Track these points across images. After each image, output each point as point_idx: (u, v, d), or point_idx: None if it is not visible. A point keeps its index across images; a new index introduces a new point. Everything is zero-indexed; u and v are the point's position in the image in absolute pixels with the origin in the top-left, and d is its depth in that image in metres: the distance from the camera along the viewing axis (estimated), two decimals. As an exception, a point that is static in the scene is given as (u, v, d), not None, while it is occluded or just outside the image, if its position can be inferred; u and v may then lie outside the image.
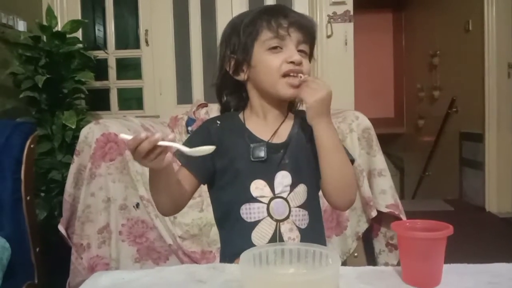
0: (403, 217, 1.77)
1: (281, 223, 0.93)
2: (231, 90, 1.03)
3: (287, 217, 0.94)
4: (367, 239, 1.89)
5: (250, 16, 0.96)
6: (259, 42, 0.94)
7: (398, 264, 0.77)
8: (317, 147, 0.92)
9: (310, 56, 1.00)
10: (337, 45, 2.81)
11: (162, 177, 0.88)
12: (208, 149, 0.80)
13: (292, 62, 0.92)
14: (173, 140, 0.77)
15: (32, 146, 1.56)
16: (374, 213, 1.77)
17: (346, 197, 0.96)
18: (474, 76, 3.51)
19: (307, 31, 0.96)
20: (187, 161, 0.97)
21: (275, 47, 0.93)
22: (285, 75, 0.93)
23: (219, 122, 1.00)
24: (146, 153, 0.75)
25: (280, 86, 0.93)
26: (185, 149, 0.78)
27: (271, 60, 0.93)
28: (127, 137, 0.75)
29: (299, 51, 0.94)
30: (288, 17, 0.93)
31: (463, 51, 3.75)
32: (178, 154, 1.00)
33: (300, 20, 0.95)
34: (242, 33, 0.95)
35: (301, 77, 0.92)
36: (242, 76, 0.98)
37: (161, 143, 0.75)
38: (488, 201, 3.42)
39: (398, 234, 0.75)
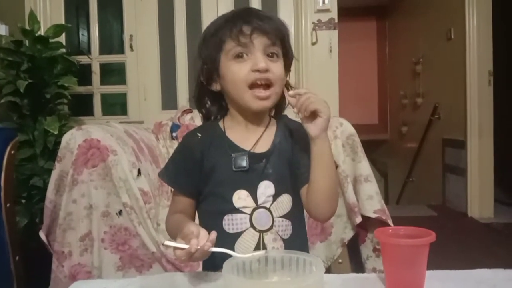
0: (390, 222, 1.77)
1: (264, 233, 0.91)
2: (210, 99, 1.00)
3: (270, 228, 0.92)
4: (353, 246, 1.89)
5: (215, 24, 0.94)
6: (224, 52, 0.91)
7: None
8: (315, 161, 0.89)
9: (287, 55, 0.97)
10: (322, 52, 2.82)
11: None
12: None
13: (257, 70, 0.89)
14: (213, 241, 0.75)
15: (12, 152, 1.53)
16: (358, 219, 1.78)
17: (332, 207, 0.94)
18: (456, 83, 3.57)
19: (274, 33, 0.92)
20: (174, 184, 0.99)
21: (239, 56, 0.90)
22: (252, 85, 0.90)
23: (199, 135, 0.98)
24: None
25: (247, 98, 0.91)
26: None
27: (236, 70, 0.91)
28: (175, 244, 0.75)
29: (270, 54, 0.92)
30: (250, 23, 0.89)
31: (445, 59, 3.82)
32: (162, 175, 1.01)
33: (262, 25, 0.90)
34: (208, 44, 0.93)
35: (289, 89, 0.93)
36: (215, 87, 0.96)
37: (212, 249, 0.75)
38: (470, 206, 3.47)
39: (381, 241, 0.75)
